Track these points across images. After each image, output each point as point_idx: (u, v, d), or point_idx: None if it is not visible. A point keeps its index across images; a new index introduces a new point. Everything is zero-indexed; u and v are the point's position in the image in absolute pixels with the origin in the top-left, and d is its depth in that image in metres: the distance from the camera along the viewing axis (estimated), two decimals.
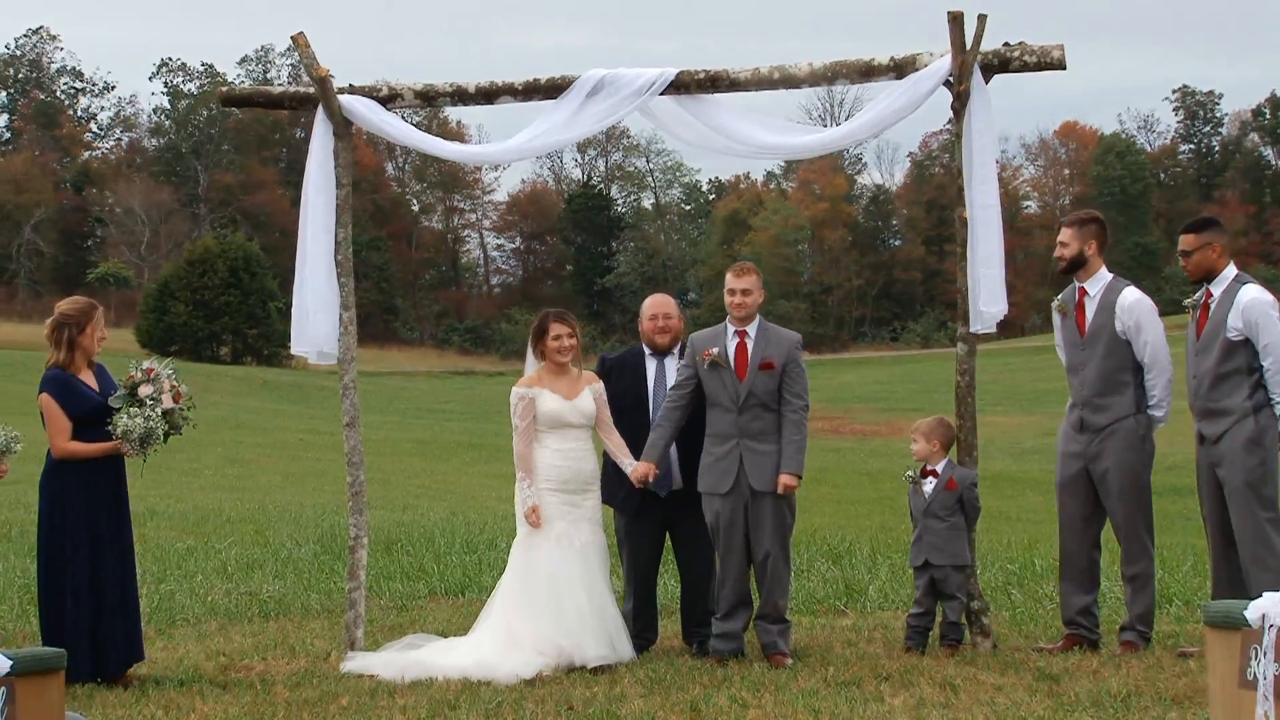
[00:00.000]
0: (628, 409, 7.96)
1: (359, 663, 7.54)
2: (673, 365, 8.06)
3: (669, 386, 7.95)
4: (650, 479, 7.71)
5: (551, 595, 7.49)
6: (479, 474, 27.29)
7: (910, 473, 7.84)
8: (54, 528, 7.19)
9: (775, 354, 7.64)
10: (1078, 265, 7.75)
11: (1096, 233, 7.77)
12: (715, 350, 7.68)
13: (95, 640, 7.15)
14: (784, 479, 7.53)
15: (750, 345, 7.67)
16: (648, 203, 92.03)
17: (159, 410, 7.15)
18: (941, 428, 7.83)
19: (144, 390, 7.20)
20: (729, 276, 7.81)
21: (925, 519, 7.72)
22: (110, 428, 7.13)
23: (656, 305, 8.14)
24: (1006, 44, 7.69)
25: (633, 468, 7.71)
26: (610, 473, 7.97)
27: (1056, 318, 7.91)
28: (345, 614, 7.99)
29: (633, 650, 7.62)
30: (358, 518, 8.00)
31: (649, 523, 8.03)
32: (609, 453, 7.87)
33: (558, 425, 7.67)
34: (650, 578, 8.14)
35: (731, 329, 7.75)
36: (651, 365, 8.13)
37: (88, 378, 7.31)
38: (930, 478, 7.77)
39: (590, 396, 7.77)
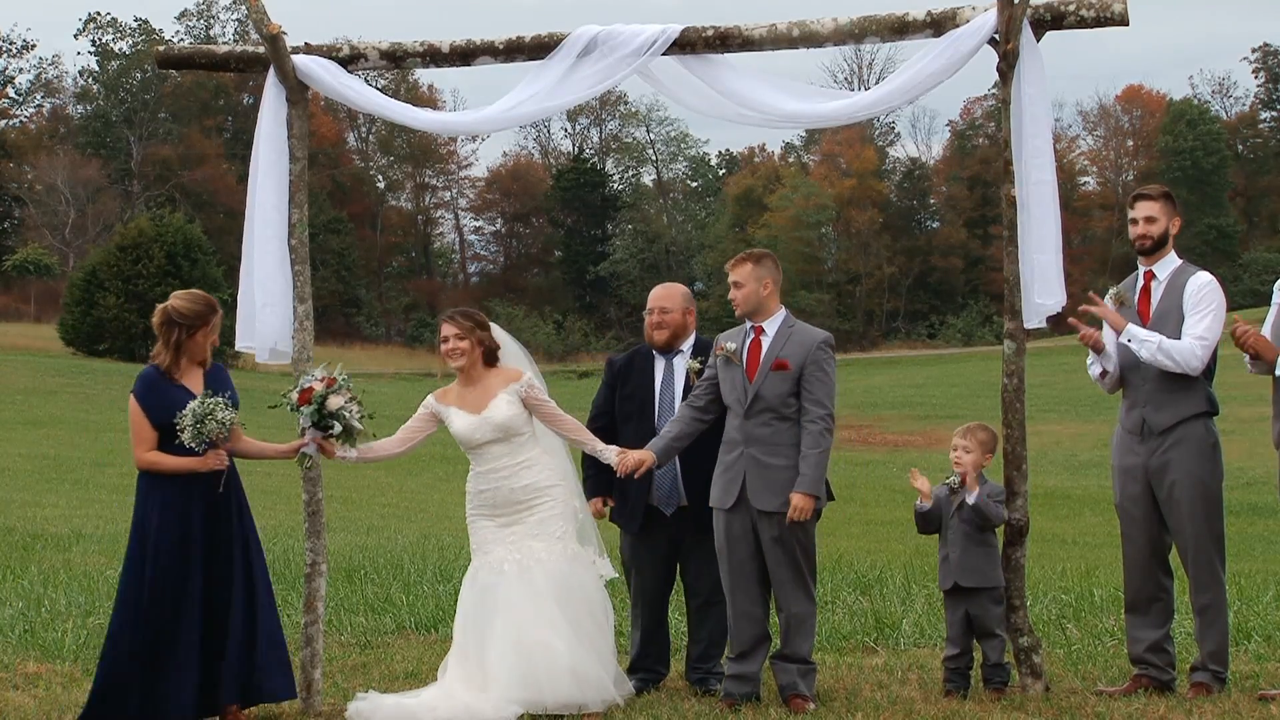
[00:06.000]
0: (633, 415, 8.04)
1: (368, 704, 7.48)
2: (682, 365, 8.11)
3: (679, 388, 8.01)
4: (640, 471, 7.62)
5: (483, 631, 7.48)
6: (454, 491, 27.26)
7: (952, 479, 7.82)
8: (141, 555, 7.28)
9: (793, 354, 7.62)
10: (1163, 245, 7.78)
11: (1179, 209, 7.89)
12: (731, 345, 7.72)
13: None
14: (795, 499, 7.44)
15: (765, 343, 7.70)
16: (648, 179, 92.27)
17: (347, 419, 7.43)
18: (992, 438, 7.85)
19: (334, 402, 7.42)
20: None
21: (954, 534, 7.74)
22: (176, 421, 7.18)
23: (654, 298, 8.23)
24: None
25: (615, 454, 7.65)
26: (612, 485, 8.01)
27: (1110, 308, 7.88)
28: (300, 652, 7.99)
29: (607, 690, 7.40)
30: (315, 541, 8.02)
31: (655, 542, 8.08)
32: (577, 446, 7.81)
33: (468, 447, 7.71)
34: (659, 604, 8.17)
35: (749, 324, 7.79)
36: (659, 366, 8.19)
37: (192, 380, 7.38)
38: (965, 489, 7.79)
39: (503, 403, 7.66)
